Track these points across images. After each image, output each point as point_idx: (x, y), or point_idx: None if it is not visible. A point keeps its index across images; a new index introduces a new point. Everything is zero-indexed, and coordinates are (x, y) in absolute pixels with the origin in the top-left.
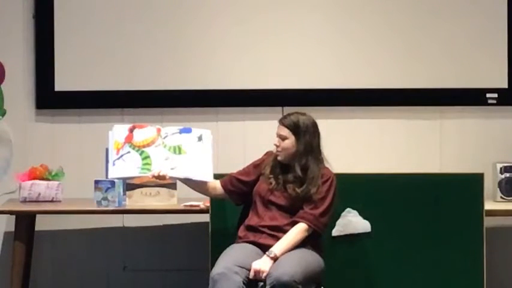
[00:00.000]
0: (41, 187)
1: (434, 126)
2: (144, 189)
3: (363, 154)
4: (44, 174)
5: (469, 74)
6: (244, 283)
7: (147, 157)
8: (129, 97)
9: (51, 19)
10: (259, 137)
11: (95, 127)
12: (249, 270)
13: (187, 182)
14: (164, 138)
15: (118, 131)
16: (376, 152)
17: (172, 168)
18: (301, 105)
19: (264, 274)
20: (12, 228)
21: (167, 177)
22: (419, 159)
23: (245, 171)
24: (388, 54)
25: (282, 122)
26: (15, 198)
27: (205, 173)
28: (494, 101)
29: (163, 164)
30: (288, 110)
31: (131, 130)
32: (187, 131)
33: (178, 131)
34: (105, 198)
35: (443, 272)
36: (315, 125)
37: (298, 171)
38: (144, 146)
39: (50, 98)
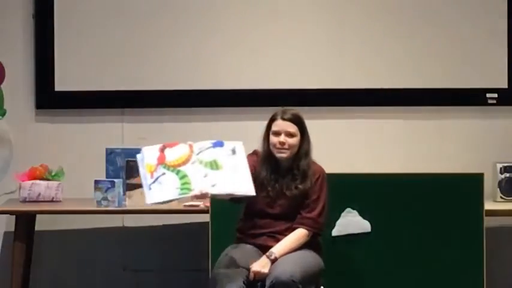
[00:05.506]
0: (41, 187)
1: (434, 126)
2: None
3: (363, 154)
4: (44, 174)
5: (469, 74)
6: (244, 283)
7: (185, 176)
8: (129, 97)
9: (51, 19)
10: (259, 137)
11: (95, 127)
12: (249, 270)
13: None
14: (198, 154)
15: (148, 153)
16: (376, 152)
17: (213, 185)
18: (301, 105)
19: (264, 276)
20: (12, 228)
21: (209, 195)
22: (420, 159)
23: None
24: (388, 55)
25: (286, 118)
26: (15, 198)
27: (246, 187)
28: (494, 101)
29: (203, 182)
30: None
31: (162, 150)
32: (220, 144)
33: (211, 145)
34: (105, 198)
35: (443, 271)
36: None
37: (296, 172)
38: (179, 165)
39: (50, 98)
